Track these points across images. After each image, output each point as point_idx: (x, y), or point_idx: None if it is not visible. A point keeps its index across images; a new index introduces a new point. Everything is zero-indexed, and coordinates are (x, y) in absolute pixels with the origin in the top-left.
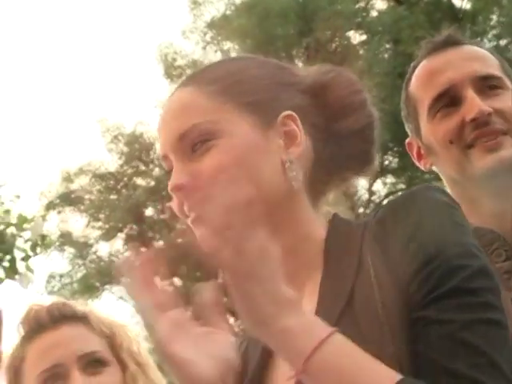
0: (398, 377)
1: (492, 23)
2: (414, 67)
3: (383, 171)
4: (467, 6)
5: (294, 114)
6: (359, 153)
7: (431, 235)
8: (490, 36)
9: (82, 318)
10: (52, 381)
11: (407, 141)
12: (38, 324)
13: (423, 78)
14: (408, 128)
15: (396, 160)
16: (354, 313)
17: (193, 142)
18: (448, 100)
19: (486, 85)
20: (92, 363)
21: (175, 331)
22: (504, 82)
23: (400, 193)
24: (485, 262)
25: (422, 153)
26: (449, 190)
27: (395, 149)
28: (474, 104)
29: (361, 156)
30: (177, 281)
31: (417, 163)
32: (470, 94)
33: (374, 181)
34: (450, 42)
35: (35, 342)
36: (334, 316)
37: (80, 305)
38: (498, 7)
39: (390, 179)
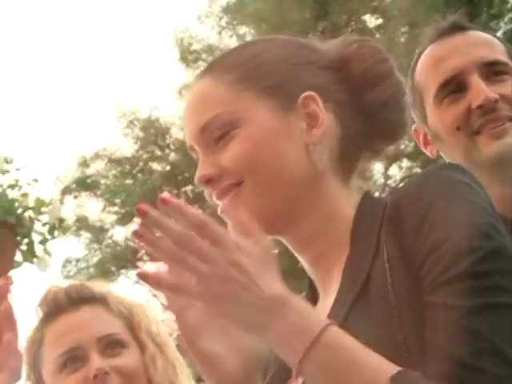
0: (395, 370)
1: (509, 6)
2: (420, 54)
3: (399, 155)
4: None
5: (314, 94)
6: (390, 122)
7: (442, 217)
8: (506, 19)
9: (100, 300)
10: (71, 363)
11: (413, 127)
12: (57, 306)
13: (429, 65)
14: (414, 114)
15: (412, 144)
16: (369, 298)
17: (214, 134)
18: (454, 86)
19: (493, 71)
20: (111, 345)
21: (201, 324)
22: (510, 68)
23: None
24: (500, 243)
25: (429, 139)
26: None
27: (411, 133)
28: (481, 90)
29: (392, 125)
30: None
31: (423, 150)
32: (476, 81)
33: (390, 165)
34: (456, 28)
35: (54, 324)
36: (349, 301)
37: (98, 286)
38: None
39: (405, 163)
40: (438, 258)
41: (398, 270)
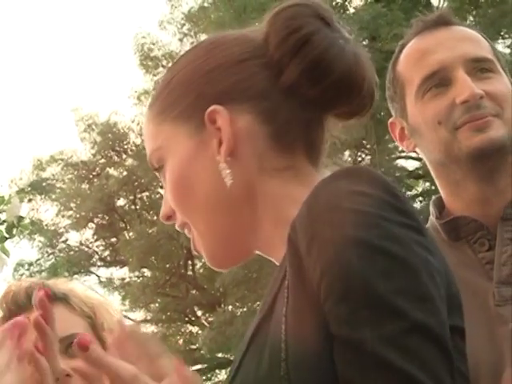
0: None
1: (468, 23)
2: (403, 46)
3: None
4: (444, 4)
5: (217, 107)
6: (324, 90)
7: (328, 237)
8: None
9: (61, 299)
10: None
11: (390, 121)
12: (17, 305)
13: (413, 58)
14: (392, 108)
15: (369, 157)
16: (269, 325)
17: (160, 174)
18: (438, 80)
19: (478, 67)
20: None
21: None
22: (495, 66)
23: None
24: (399, 253)
25: (406, 134)
26: (433, 174)
27: (368, 146)
28: (466, 86)
29: (328, 92)
30: (146, 271)
31: (399, 144)
32: (462, 76)
33: None
34: (442, 22)
35: None
36: (255, 327)
37: (61, 283)
38: (475, 7)
39: None
40: (330, 285)
41: (296, 296)
